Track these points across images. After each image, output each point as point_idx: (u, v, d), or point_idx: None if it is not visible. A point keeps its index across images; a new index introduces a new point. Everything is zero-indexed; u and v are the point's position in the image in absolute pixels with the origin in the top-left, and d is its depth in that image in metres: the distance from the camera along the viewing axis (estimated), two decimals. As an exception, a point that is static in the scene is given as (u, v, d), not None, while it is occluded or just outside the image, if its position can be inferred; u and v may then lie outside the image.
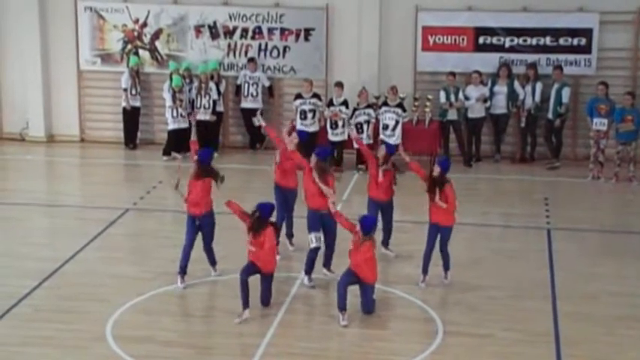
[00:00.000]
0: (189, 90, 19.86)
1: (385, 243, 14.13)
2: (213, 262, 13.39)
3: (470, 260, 14.12)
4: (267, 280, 12.29)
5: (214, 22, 20.41)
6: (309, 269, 13.14)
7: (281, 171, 14.13)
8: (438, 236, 13.06)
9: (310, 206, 13.12)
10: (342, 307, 11.91)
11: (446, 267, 13.23)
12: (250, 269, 12.09)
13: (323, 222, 13.05)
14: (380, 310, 12.31)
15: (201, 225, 13.05)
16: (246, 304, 11.96)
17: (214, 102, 19.83)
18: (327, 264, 13.37)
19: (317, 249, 13.06)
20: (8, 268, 13.77)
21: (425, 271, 13.14)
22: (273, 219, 12.48)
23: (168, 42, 20.63)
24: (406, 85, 19.63)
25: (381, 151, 13.69)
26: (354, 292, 12.17)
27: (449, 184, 12.90)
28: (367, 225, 11.98)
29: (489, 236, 15.52)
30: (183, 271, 13.04)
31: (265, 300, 12.34)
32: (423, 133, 19.11)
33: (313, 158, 13.20)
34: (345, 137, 18.87)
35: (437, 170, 12.88)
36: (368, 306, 12.14)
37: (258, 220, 12.05)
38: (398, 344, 11.49)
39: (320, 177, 12.98)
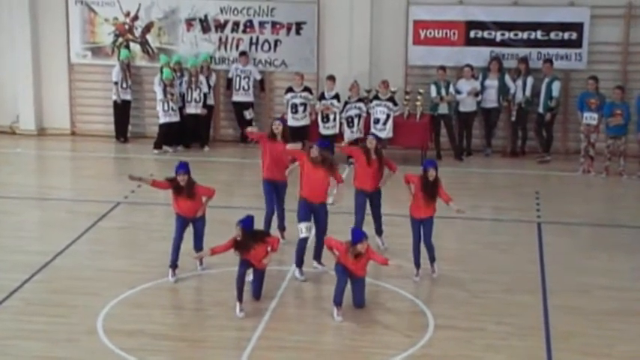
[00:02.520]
0: (180, 84, 19.84)
1: (379, 232, 14.16)
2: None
3: (460, 254, 14.15)
4: (259, 274, 12.30)
5: (205, 16, 20.39)
6: (299, 262, 13.15)
7: (271, 164, 14.08)
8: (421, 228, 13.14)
9: (303, 196, 13.13)
10: (339, 303, 11.91)
11: (431, 259, 13.26)
12: (245, 264, 12.09)
13: (314, 213, 13.07)
14: (371, 303, 12.33)
15: (194, 224, 13.09)
16: (241, 297, 11.98)
17: (205, 95, 19.82)
18: (317, 256, 13.38)
19: (306, 239, 13.06)
20: (-1, 262, 13.78)
21: (417, 264, 13.18)
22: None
23: (159, 35, 20.61)
24: (397, 79, 19.65)
25: (372, 142, 13.68)
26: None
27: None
28: (356, 235, 11.93)
29: (480, 230, 15.53)
30: (174, 264, 13.04)
31: (257, 294, 12.35)
32: (414, 127, 19.13)
33: (315, 149, 13.16)
34: (337, 131, 18.88)
35: (433, 174, 12.92)
36: (360, 300, 12.16)
37: (245, 238, 12.00)
38: (389, 337, 11.51)
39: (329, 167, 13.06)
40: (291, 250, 13.50)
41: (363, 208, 13.89)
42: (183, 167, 12.96)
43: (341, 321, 11.82)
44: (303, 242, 13.09)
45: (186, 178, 12.87)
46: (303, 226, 13.02)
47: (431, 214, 13.09)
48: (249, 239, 11.98)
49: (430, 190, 12.94)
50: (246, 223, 11.99)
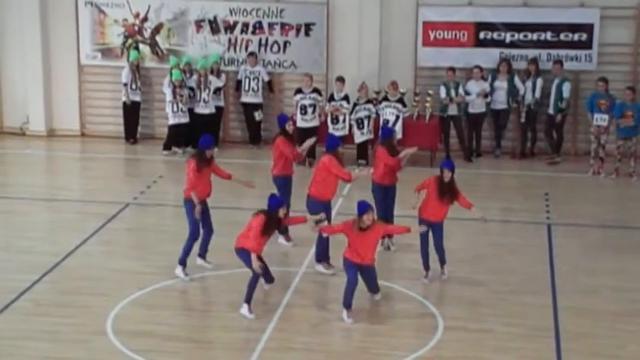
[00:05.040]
0: (189, 78, 19.84)
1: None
2: (204, 252, 13.40)
3: (470, 255, 14.13)
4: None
5: (215, 17, 20.40)
6: (320, 256, 13.22)
7: (284, 162, 14.21)
8: (430, 232, 13.06)
9: (312, 195, 13.20)
10: (349, 305, 11.89)
11: (442, 262, 13.23)
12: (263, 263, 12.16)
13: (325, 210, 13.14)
14: (380, 305, 12.34)
15: (204, 210, 13.15)
16: (250, 299, 12.01)
17: (219, 89, 19.85)
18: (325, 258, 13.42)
19: (323, 223, 12.76)
20: (9, 262, 13.78)
21: (426, 267, 13.15)
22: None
23: (168, 37, 20.62)
24: (407, 81, 19.63)
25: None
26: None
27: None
28: (362, 205, 11.83)
29: (490, 231, 15.48)
30: (184, 262, 13.13)
31: (269, 277, 12.33)
32: (423, 128, 19.12)
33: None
34: (346, 132, 18.88)
35: (448, 175, 12.85)
36: (373, 286, 12.17)
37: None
38: (398, 339, 11.50)
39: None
40: (298, 252, 13.52)
41: (383, 201, 13.84)
42: (213, 141, 13.31)
43: (352, 323, 11.80)
44: (320, 237, 13.01)
45: (212, 152, 13.21)
46: (316, 217, 12.75)
47: (441, 218, 13.03)
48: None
49: (445, 191, 12.85)
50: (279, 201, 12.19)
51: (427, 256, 13.14)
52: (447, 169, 12.84)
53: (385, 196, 13.84)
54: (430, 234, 13.03)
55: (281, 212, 11.99)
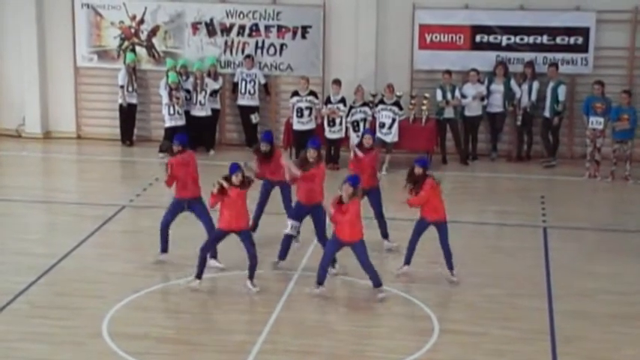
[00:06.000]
0: (185, 80, 19.84)
1: (384, 235, 14.22)
2: (213, 253, 13.44)
3: (466, 258, 14.09)
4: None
5: (211, 20, 20.40)
6: (281, 255, 13.47)
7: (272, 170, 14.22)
8: (428, 231, 13.18)
9: (298, 199, 13.31)
10: (322, 282, 12.37)
11: (449, 266, 13.21)
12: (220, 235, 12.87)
13: (311, 215, 13.22)
14: (376, 307, 12.34)
15: (194, 210, 13.40)
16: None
17: (215, 91, 19.84)
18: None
19: (290, 236, 13.35)
20: (4, 265, 13.77)
21: (407, 261, 13.29)
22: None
23: (165, 39, 20.61)
24: (403, 84, 19.63)
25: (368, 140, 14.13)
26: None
27: (429, 178, 12.98)
28: (353, 178, 12.33)
29: (485, 234, 15.52)
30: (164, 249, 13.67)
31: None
32: (419, 131, 19.13)
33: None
34: (342, 135, 18.89)
35: (418, 171, 12.94)
36: (367, 264, 12.35)
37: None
38: (394, 342, 11.50)
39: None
40: (299, 254, 13.54)
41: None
42: (179, 138, 13.72)
43: (325, 291, 12.32)
44: (287, 238, 13.37)
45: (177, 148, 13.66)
46: (290, 223, 13.25)
47: (438, 217, 13.05)
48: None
49: (411, 182, 12.96)
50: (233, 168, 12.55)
51: (412, 252, 13.22)
52: (416, 165, 12.98)
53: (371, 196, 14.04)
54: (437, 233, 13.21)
55: (234, 179, 12.36)
